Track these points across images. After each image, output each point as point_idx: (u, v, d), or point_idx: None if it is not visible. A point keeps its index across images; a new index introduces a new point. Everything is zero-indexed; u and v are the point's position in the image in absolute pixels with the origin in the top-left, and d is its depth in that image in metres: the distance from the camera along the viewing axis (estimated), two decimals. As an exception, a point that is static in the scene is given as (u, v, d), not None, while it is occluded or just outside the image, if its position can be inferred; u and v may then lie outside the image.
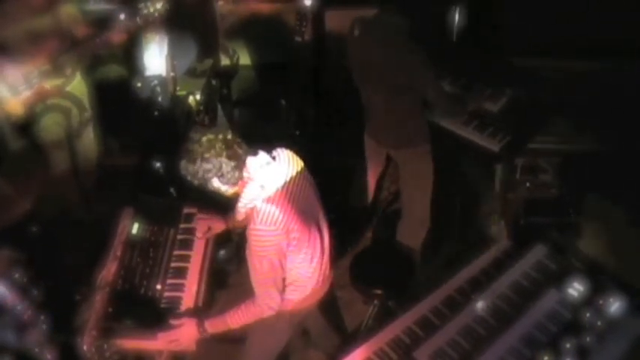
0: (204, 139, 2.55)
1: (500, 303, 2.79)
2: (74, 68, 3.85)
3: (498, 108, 3.92)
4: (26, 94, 3.67)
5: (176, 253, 3.19)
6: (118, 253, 3.10)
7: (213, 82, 5.08)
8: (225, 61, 5.65)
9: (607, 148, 3.74)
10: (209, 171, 2.55)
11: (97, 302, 2.87)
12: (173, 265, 3.13)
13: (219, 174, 2.56)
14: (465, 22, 4.41)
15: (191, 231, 3.27)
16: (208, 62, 5.23)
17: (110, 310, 2.83)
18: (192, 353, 2.88)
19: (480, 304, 2.72)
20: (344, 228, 4.38)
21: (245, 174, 2.61)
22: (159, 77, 4.88)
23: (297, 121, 5.15)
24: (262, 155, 2.69)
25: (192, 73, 5.05)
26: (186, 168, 2.58)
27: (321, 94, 5.29)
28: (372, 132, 3.95)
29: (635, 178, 3.65)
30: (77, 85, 4.00)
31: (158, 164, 4.25)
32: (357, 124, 4.06)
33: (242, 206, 2.65)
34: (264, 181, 2.61)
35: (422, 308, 2.81)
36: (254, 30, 5.77)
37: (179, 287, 3.02)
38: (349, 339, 3.53)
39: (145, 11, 3.72)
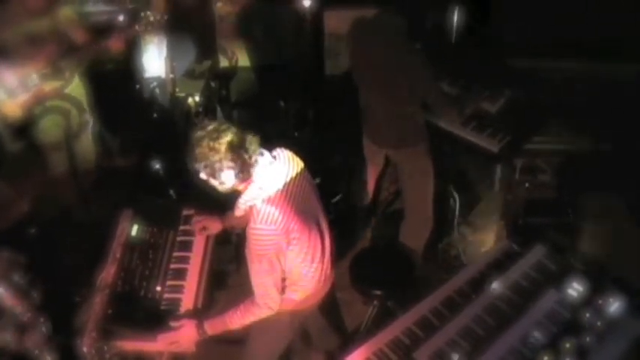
0: (229, 130, 2.50)
1: (500, 303, 2.79)
2: (73, 70, 3.84)
3: (497, 109, 3.93)
4: (23, 97, 3.66)
5: (175, 254, 3.19)
6: (118, 255, 3.10)
7: (212, 83, 5.09)
8: (224, 62, 5.66)
9: (606, 148, 3.74)
10: (228, 162, 2.48)
11: (97, 304, 2.87)
12: (172, 266, 3.13)
13: (236, 168, 2.51)
14: (464, 23, 4.42)
15: (190, 232, 3.27)
16: (207, 64, 5.25)
17: (110, 311, 2.83)
18: (192, 354, 2.88)
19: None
20: (344, 228, 4.39)
21: (255, 173, 2.60)
22: (158, 79, 4.90)
23: (296, 122, 5.15)
24: (266, 155, 2.68)
25: (191, 74, 5.06)
26: (205, 154, 2.48)
27: (320, 95, 5.29)
28: (370, 133, 3.95)
29: (634, 178, 3.65)
30: (76, 86, 3.99)
31: (157, 166, 4.25)
32: (356, 125, 4.06)
33: (243, 203, 2.63)
34: (265, 181, 2.61)
35: (422, 309, 2.81)
36: (253, 31, 5.77)
37: (178, 289, 3.02)
38: (349, 339, 3.53)
39: (144, 20, 3.71)
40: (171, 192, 4.22)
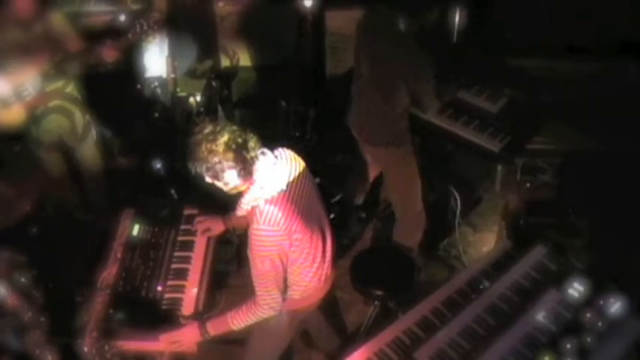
0: (225, 130, 2.50)
1: (501, 303, 2.80)
2: (73, 71, 3.83)
3: (498, 108, 3.92)
4: (17, 105, 3.65)
5: (177, 254, 3.19)
6: (119, 255, 3.11)
7: (214, 83, 5.08)
8: (225, 62, 5.66)
9: (607, 147, 3.74)
10: (228, 162, 2.48)
11: (98, 304, 2.88)
12: (174, 266, 3.13)
13: (237, 167, 2.50)
14: (465, 23, 4.41)
15: (192, 232, 3.27)
16: (208, 63, 5.24)
17: (111, 311, 2.84)
18: (193, 354, 2.88)
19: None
20: (344, 228, 4.40)
21: (257, 173, 2.59)
22: (159, 78, 4.90)
23: (297, 121, 5.15)
24: (269, 155, 2.67)
25: (192, 74, 5.06)
26: (204, 157, 2.49)
27: (321, 95, 5.29)
28: (354, 125, 3.91)
29: (635, 178, 3.64)
30: (77, 86, 3.99)
31: (158, 165, 4.25)
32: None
33: (245, 203, 2.62)
34: (267, 181, 2.60)
35: (422, 309, 2.82)
36: (254, 31, 5.78)
37: (180, 288, 3.03)
38: (350, 340, 3.54)
39: (139, 29, 3.68)
40: (173, 191, 4.23)
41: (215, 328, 2.78)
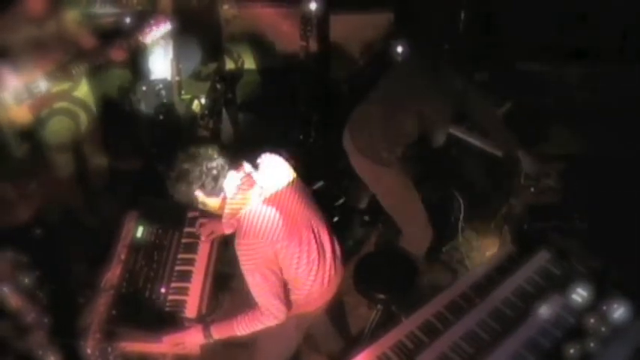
0: (183, 165, 2.58)
1: (504, 308, 2.79)
2: (80, 73, 3.85)
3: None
4: (29, 102, 3.68)
5: (180, 256, 3.20)
6: (123, 257, 3.11)
7: (218, 85, 5.09)
8: (230, 64, 5.67)
9: (611, 152, 3.74)
10: (191, 181, 2.55)
11: (101, 305, 2.88)
12: (177, 268, 3.13)
13: (203, 190, 2.56)
14: (468, 29, 4.42)
15: (195, 235, 3.28)
16: (213, 66, 5.26)
17: (114, 312, 2.84)
18: (196, 357, 2.88)
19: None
20: (347, 232, 4.39)
21: (227, 187, 2.60)
22: (164, 81, 4.91)
23: (301, 124, 5.16)
24: (246, 167, 2.68)
25: (196, 76, 5.07)
26: (185, 196, 2.60)
27: (326, 98, 5.30)
28: (352, 133, 3.87)
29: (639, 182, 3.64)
30: (83, 89, 4.00)
31: (163, 167, 4.25)
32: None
33: (224, 218, 2.65)
34: (236, 196, 2.61)
35: (425, 313, 2.81)
36: (259, 34, 5.79)
37: (183, 290, 3.03)
38: (353, 343, 3.53)
39: (148, 35, 3.72)
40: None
41: (219, 331, 2.78)
